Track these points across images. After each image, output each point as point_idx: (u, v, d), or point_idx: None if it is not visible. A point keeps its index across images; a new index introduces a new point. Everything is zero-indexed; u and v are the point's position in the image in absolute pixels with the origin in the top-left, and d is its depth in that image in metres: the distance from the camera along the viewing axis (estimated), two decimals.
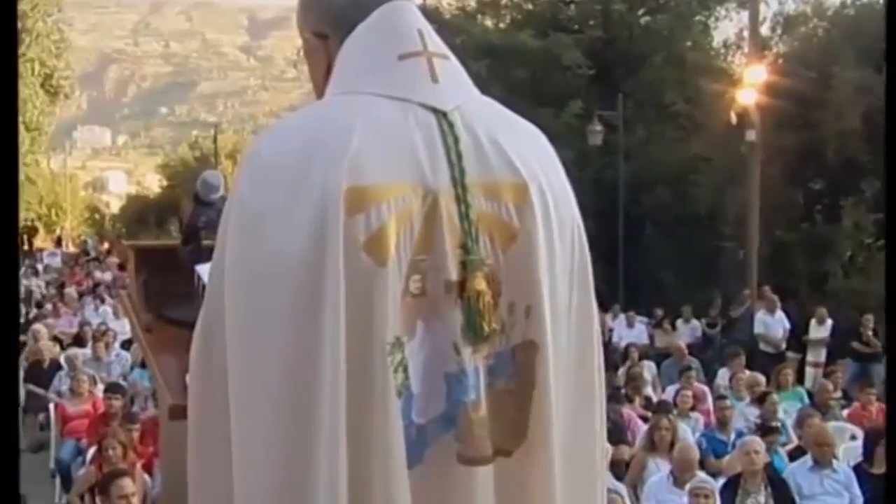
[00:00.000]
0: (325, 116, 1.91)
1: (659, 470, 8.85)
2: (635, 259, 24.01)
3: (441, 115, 1.90)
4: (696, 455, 8.66)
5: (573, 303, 2.01)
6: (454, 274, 1.83)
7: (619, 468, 9.28)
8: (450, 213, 1.83)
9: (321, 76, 2.06)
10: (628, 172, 25.15)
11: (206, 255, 2.25)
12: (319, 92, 2.06)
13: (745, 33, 26.05)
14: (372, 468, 1.75)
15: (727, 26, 30.81)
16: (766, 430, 9.85)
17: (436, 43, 2.00)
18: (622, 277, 23.59)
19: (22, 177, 54.35)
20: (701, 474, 8.40)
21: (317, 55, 2.09)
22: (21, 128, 48.72)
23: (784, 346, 17.96)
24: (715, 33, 30.86)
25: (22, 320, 19.19)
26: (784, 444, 9.99)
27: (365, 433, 1.74)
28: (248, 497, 1.78)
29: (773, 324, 18.00)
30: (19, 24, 48.48)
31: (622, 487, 8.35)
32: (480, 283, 1.83)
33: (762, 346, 17.78)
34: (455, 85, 1.98)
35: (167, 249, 2.64)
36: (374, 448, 1.75)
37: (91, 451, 9.44)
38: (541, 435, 1.90)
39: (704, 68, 27.55)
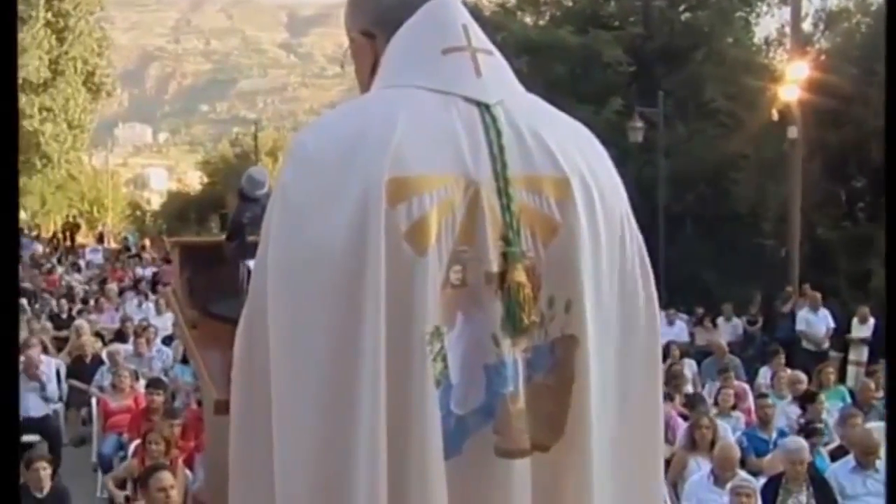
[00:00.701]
0: (369, 109, 1.93)
1: (699, 469, 8.80)
2: (675, 257, 23.89)
3: (484, 108, 1.91)
4: (737, 454, 8.61)
5: (622, 298, 2.00)
6: (495, 265, 1.83)
7: None
8: (491, 206, 1.84)
9: (367, 75, 2.08)
10: (668, 170, 25.03)
11: (250, 250, 2.26)
12: (365, 91, 2.07)
13: (787, 29, 25.92)
14: (409, 457, 1.76)
15: (769, 22, 30.68)
16: (809, 431, 9.77)
17: (480, 38, 2.01)
18: (662, 275, 23.48)
19: (64, 174, 54.86)
20: (742, 473, 8.36)
21: (363, 54, 2.11)
22: (64, 125, 49.17)
23: (827, 344, 17.82)
24: (756, 29, 30.71)
25: (64, 316, 19.36)
26: (826, 444, 9.91)
27: (403, 422, 1.75)
28: (287, 483, 1.80)
29: (816, 322, 17.86)
30: (62, 23, 48.88)
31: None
32: (520, 276, 1.83)
33: (805, 344, 17.65)
34: (499, 80, 1.99)
35: (212, 245, 2.66)
36: (411, 437, 1.76)
37: (133, 446, 9.50)
38: (579, 431, 1.89)
39: (746, 65, 27.37)
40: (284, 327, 1.80)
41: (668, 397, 11.98)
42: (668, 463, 9.43)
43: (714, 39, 28.59)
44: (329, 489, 1.75)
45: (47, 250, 34.21)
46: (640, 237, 2.06)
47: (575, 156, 1.96)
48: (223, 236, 2.83)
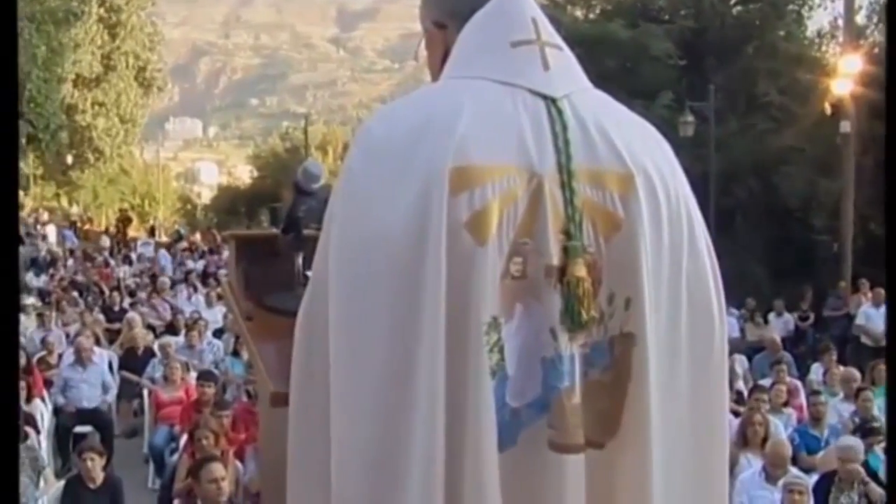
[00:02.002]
0: (435, 99, 1.95)
1: (751, 465, 8.73)
2: (726, 251, 23.49)
3: (550, 101, 1.91)
4: (789, 451, 8.54)
5: (682, 296, 1.98)
6: (555, 259, 1.83)
7: None
8: (554, 198, 1.84)
9: (438, 65, 2.10)
10: (720, 164, 24.84)
11: (306, 244, 2.27)
12: (435, 80, 2.09)
13: (840, 22, 25.63)
14: (463, 445, 1.76)
15: (821, 15, 30.33)
16: (865, 430, 9.64)
17: (549, 33, 2.01)
18: None
19: (116, 168, 55.40)
20: (794, 470, 8.28)
21: (435, 44, 2.14)
22: (116, 120, 49.66)
23: (885, 340, 17.61)
24: (808, 22, 30.40)
25: (116, 308, 19.53)
26: (880, 442, 9.80)
27: (458, 410, 1.76)
28: (343, 466, 1.81)
29: (876, 317, 17.65)
30: (114, 18, 49.31)
31: None
32: (581, 270, 1.83)
33: (863, 340, 17.44)
34: (566, 74, 1.99)
35: (267, 238, 2.67)
36: (466, 426, 1.76)
37: (184, 438, 9.57)
38: (635, 429, 1.89)
39: (798, 58, 27.13)
40: (344, 311, 1.82)
41: None
42: None
43: (766, 33, 28.34)
44: (385, 472, 1.77)
45: (107, 244, 34.50)
46: (704, 240, 2.04)
47: (640, 152, 1.95)
48: (273, 229, 2.84)
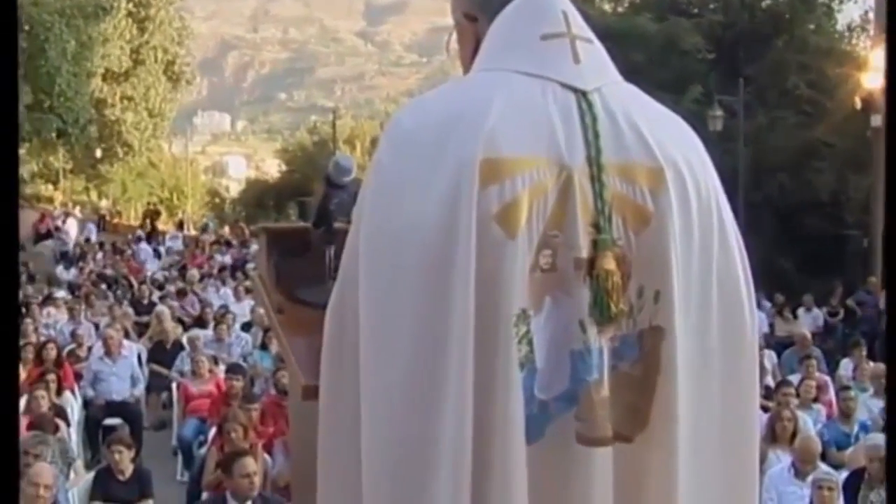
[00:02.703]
0: (465, 91, 1.95)
1: (779, 461, 8.70)
2: (755, 246, 23.38)
3: (580, 94, 1.90)
4: (818, 447, 8.50)
5: (713, 291, 1.98)
6: (584, 252, 1.83)
7: None
8: (584, 192, 1.84)
9: (469, 57, 2.10)
10: (749, 158, 24.75)
11: (337, 237, 2.28)
12: (467, 73, 2.09)
13: (871, 15, 25.46)
14: (491, 437, 1.76)
15: (851, 8, 30.16)
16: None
17: (580, 26, 2.01)
18: None
19: (145, 161, 55.71)
20: (823, 466, 8.25)
21: (466, 37, 2.13)
22: (144, 114, 49.93)
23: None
24: (839, 16, 30.22)
25: (145, 302, 19.65)
26: None
27: (486, 402, 1.75)
28: (372, 456, 1.81)
29: None
30: (143, 13, 49.58)
31: None
32: (610, 263, 1.83)
33: None
34: (597, 67, 1.98)
35: (298, 231, 2.68)
36: (494, 418, 1.76)
37: (212, 431, 9.62)
38: (663, 423, 1.88)
39: (828, 51, 26.99)
40: (373, 303, 1.82)
41: None
42: None
43: (795, 26, 28.22)
44: (414, 463, 1.77)
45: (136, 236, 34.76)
46: (733, 236, 2.04)
47: (670, 146, 1.94)
48: (301, 223, 2.85)
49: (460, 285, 1.74)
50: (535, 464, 1.79)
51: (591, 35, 2.01)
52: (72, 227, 36.55)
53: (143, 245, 31.43)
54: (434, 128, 1.84)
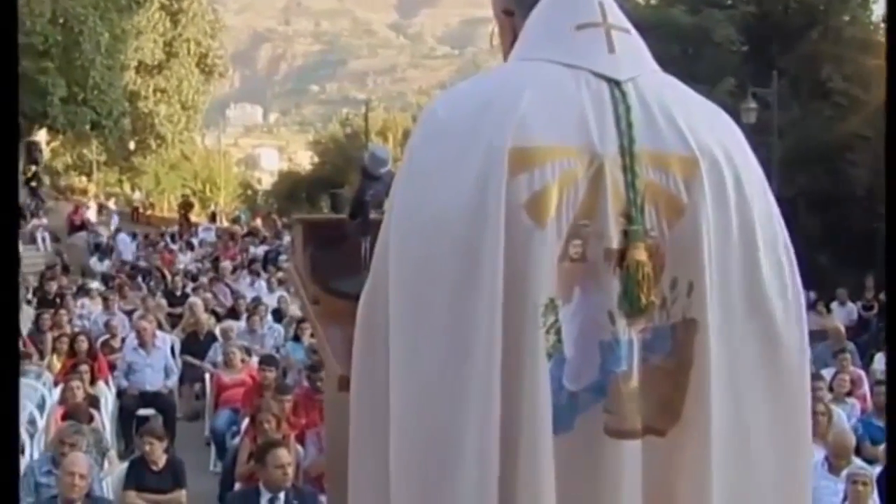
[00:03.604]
0: (497, 80, 1.95)
1: (813, 456, 8.63)
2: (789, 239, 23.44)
3: (614, 84, 1.89)
4: (853, 441, 8.44)
5: (760, 284, 1.95)
6: (615, 242, 1.81)
7: None
8: (615, 181, 1.82)
9: (508, 52, 2.09)
10: (783, 151, 24.59)
11: (372, 228, 2.28)
12: None
13: None
14: (518, 427, 1.75)
15: None
16: None
17: (616, 16, 1.99)
18: None
19: (178, 154, 55.99)
20: (857, 461, 8.19)
21: (505, 31, 2.13)
22: (177, 106, 50.18)
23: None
24: (874, 6, 29.92)
25: (178, 293, 19.75)
26: None
27: (513, 391, 1.75)
28: (401, 441, 1.81)
29: None
30: (176, 6, 49.83)
31: None
32: (641, 254, 1.81)
33: None
34: (632, 57, 1.96)
35: (334, 223, 2.68)
36: (521, 407, 1.75)
37: (245, 422, 9.65)
38: (696, 417, 1.86)
39: (863, 43, 26.75)
40: (402, 290, 1.82)
41: None
42: None
43: (830, 17, 28.01)
44: (440, 450, 1.77)
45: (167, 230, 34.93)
46: (778, 225, 2.01)
47: (707, 136, 1.92)
48: (333, 215, 2.85)
49: (489, 274, 1.73)
50: (563, 455, 1.78)
51: (627, 25, 1.99)
52: (92, 216, 36.75)
53: (122, 235, 31.20)
54: (465, 116, 1.84)
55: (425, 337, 1.78)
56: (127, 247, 29.88)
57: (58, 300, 18.37)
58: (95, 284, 21.48)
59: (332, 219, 2.82)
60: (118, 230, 34.26)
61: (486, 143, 1.78)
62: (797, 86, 26.64)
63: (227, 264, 24.13)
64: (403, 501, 1.83)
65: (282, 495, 7.29)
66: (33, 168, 36.29)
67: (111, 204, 47.46)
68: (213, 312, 17.12)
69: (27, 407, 10.59)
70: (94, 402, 10.35)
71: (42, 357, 13.26)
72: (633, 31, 2.00)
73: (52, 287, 19.85)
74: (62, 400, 10.04)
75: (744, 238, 1.92)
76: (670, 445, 1.86)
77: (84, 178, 56.14)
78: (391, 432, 1.83)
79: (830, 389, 10.92)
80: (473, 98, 1.88)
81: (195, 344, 14.34)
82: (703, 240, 1.85)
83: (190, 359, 13.97)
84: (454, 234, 1.77)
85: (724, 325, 1.89)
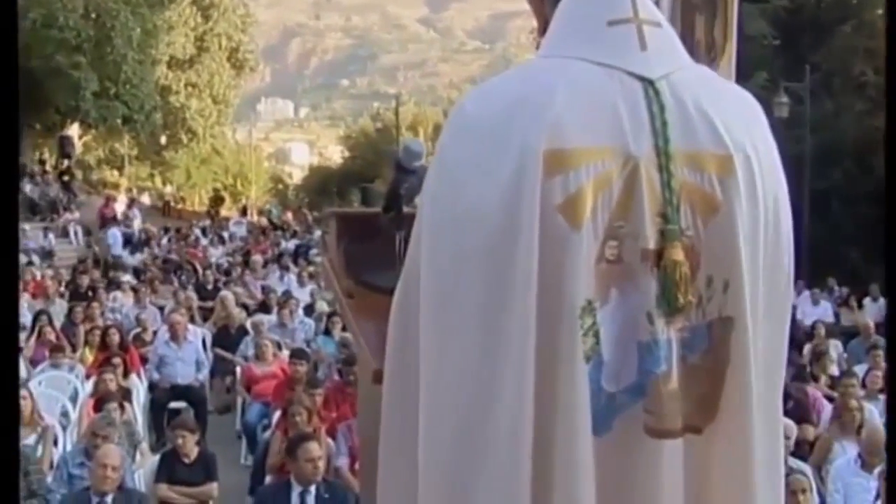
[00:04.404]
0: (529, 77, 1.92)
1: (845, 452, 8.59)
2: (821, 234, 23.35)
3: (648, 83, 1.87)
4: (885, 438, 8.38)
5: (779, 277, 1.97)
6: (652, 242, 1.80)
7: (802, 448, 9.04)
8: (651, 181, 1.81)
9: (542, 35, 2.07)
10: (815, 145, 24.47)
11: (406, 222, 2.28)
12: None
13: None
14: (556, 430, 1.75)
15: None
16: None
17: (648, 9, 1.97)
18: (806, 253, 23.05)
19: (209, 148, 56.24)
20: None
21: (537, 16, 2.12)
22: (208, 101, 50.43)
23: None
24: None
25: (210, 287, 19.84)
26: None
27: (551, 394, 1.75)
28: (431, 440, 1.82)
29: None
30: (207, 1, 50.04)
31: (807, 468, 8.14)
32: (678, 254, 1.80)
33: None
34: (665, 53, 1.94)
35: (368, 216, 2.68)
36: (558, 411, 1.75)
37: (276, 415, 9.69)
38: (734, 414, 1.87)
39: None
40: (435, 287, 1.82)
41: (814, 378, 11.75)
42: (811, 444, 9.24)
43: (864, 11, 27.81)
44: (470, 448, 1.77)
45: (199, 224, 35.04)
46: (787, 223, 2.01)
47: (740, 132, 1.91)
48: (364, 209, 2.86)
49: (522, 276, 1.73)
50: (603, 456, 1.78)
51: (660, 18, 1.98)
52: (119, 210, 36.78)
53: (112, 230, 30.28)
54: (497, 113, 1.83)
55: (456, 335, 1.78)
56: (117, 240, 29.45)
57: (90, 293, 18.49)
58: (127, 277, 21.60)
59: (367, 212, 2.82)
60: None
61: (520, 142, 1.77)
62: (829, 80, 26.49)
63: (258, 258, 24.19)
64: (432, 499, 1.84)
65: (313, 489, 7.32)
66: (66, 162, 36.44)
67: (144, 198, 47.68)
68: (244, 306, 17.19)
69: (60, 399, 10.67)
70: (126, 394, 10.41)
71: (74, 350, 13.35)
72: (665, 23, 1.98)
73: (84, 280, 19.98)
74: (95, 392, 10.11)
75: (767, 233, 1.92)
76: (707, 443, 1.87)
77: (116, 173, 56.43)
78: (420, 431, 1.84)
79: (863, 386, 10.84)
80: (504, 95, 1.87)
81: (226, 337, 14.42)
82: (739, 237, 1.85)
83: (221, 352, 14.04)
84: (488, 232, 1.76)
85: (758, 321, 1.89)
